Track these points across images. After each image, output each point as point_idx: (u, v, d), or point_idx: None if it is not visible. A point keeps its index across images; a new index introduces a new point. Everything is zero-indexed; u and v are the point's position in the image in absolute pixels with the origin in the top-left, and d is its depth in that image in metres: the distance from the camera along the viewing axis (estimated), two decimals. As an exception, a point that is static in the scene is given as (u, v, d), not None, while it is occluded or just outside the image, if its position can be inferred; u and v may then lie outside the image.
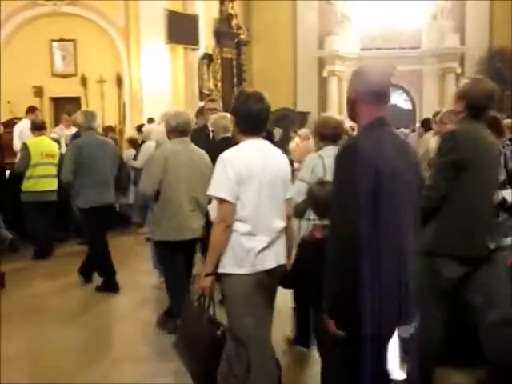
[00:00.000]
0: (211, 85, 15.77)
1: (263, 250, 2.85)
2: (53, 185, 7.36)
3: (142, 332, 4.83)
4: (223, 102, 11.64)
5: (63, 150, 7.87)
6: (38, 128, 7.53)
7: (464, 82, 3.33)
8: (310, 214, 3.72)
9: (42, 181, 7.28)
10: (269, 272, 2.89)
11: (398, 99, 19.75)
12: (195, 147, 4.63)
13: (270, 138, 4.69)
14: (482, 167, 3.15)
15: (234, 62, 17.47)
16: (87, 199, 5.83)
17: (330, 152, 3.70)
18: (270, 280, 2.92)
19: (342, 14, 18.99)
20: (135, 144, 9.84)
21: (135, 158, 8.71)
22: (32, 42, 12.43)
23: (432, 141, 5.80)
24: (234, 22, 17.07)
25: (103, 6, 12.46)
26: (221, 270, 2.88)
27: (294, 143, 10.93)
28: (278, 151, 3.06)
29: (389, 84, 2.43)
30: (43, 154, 7.33)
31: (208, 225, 3.89)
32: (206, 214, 4.25)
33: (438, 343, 3.26)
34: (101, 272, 6.06)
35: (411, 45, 19.12)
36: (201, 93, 14.79)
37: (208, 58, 15.36)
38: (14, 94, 12.05)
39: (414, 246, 2.32)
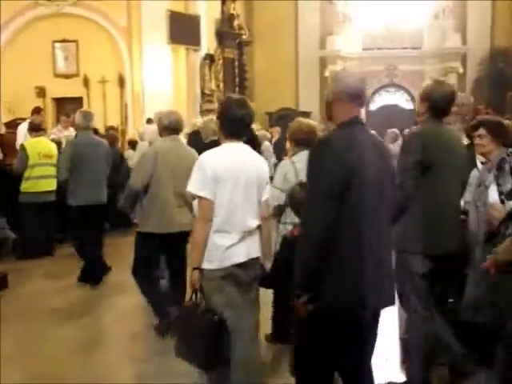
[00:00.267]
0: (213, 85, 15.79)
1: (232, 246, 3.01)
2: (51, 185, 7.35)
3: (142, 332, 4.84)
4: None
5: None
6: (35, 129, 7.53)
7: (426, 84, 3.48)
8: (287, 218, 3.91)
9: (40, 181, 7.28)
10: (239, 265, 3.04)
11: (400, 99, 19.73)
12: (186, 145, 4.78)
13: (253, 142, 4.81)
14: (446, 166, 3.25)
15: (236, 63, 17.49)
16: (79, 197, 5.98)
17: (303, 156, 3.76)
18: (242, 272, 3.08)
19: (344, 14, 18.98)
20: (134, 145, 9.90)
21: (133, 159, 8.77)
22: (34, 42, 12.50)
23: None
24: (235, 23, 17.08)
25: (105, 6, 12.52)
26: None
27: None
28: (257, 155, 3.24)
29: (364, 88, 2.57)
30: (41, 154, 7.33)
31: None
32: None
33: (428, 341, 3.34)
34: (85, 264, 6.23)
35: (413, 45, 19.09)
36: (202, 93, 14.82)
37: (210, 58, 15.38)
38: (17, 95, 12.13)
39: (389, 240, 2.50)
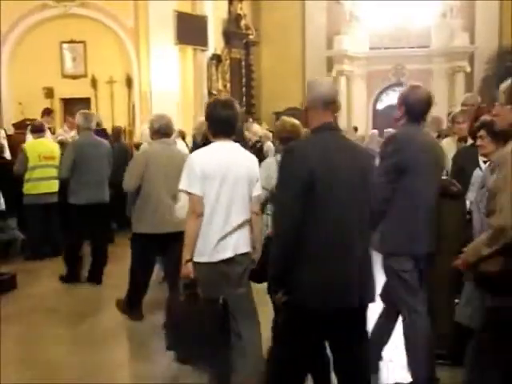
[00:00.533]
0: (220, 85, 15.83)
1: (220, 241, 3.18)
2: (53, 187, 7.33)
3: (149, 332, 4.82)
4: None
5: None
6: (37, 130, 7.53)
7: (404, 89, 3.61)
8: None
9: (41, 183, 7.29)
10: (227, 261, 3.20)
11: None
12: (177, 149, 5.00)
13: (242, 140, 4.96)
14: (422, 168, 3.35)
15: (243, 63, 17.52)
16: (81, 196, 6.09)
17: None
18: (231, 268, 3.23)
19: (351, 13, 18.94)
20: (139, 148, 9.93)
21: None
22: (43, 43, 12.53)
23: (445, 141, 5.77)
24: (242, 23, 17.10)
25: (113, 7, 12.54)
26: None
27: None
28: (247, 153, 3.43)
29: (336, 95, 2.74)
30: (41, 156, 7.32)
31: None
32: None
33: (424, 337, 3.41)
34: (66, 263, 6.39)
35: (420, 44, 19.03)
36: (210, 93, 14.84)
37: (217, 58, 15.42)
38: (25, 96, 12.18)
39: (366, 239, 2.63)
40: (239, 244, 3.26)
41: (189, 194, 3.20)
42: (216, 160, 3.20)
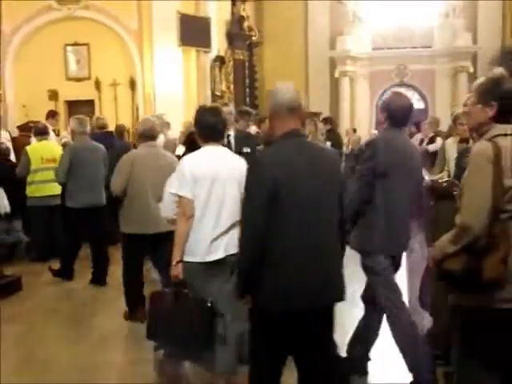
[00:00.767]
0: (223, 87, 15.88)
1: (212, 242, 3.31)
2: (56, 189, 7.23)
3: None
4: (235, 104, 11.79)
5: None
6: (40, 133, 7.56)
7: (386, 96, 3.82)
8: None
9: (43, 186, 7.30)
10: (219, 261, 3.31)
11: (411, 99, 19.64)
12: (163, 151, 5.14)
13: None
14: (400, 172, 3.49)
15: (246, 64, 17.55)
16: (78, 200, 6.22)
17: None
18: (221, 268, 3.34)
19: (354, 14, 18.95)
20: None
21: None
22: (47, 46, 12.63)
23: (448, 142, 5.76)
24: (245, 24, 17.14)
25: (116, 10, 12.61)
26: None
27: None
28: (236, 156, 3.59)
29: (298, 100, 2.72)
30: (43, 159, 7.34)
31: None
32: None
33: (411, 332, 3.54)
34: (62, 260, 6.59)
35: (423, 44, 19.02)
36: (213, 95, 14.91)
37: (220, 60, 15.47)
38: (30, 98, 12.27)
39: (328, 241, 2.65)
40: (230, 245, 3.34)
41: (179, 196, 3.32)
42: (205, 163, 3.34)
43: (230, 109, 6.15)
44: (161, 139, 5.88)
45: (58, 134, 9.78)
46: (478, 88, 2.65)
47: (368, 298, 3.77)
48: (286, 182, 2.52)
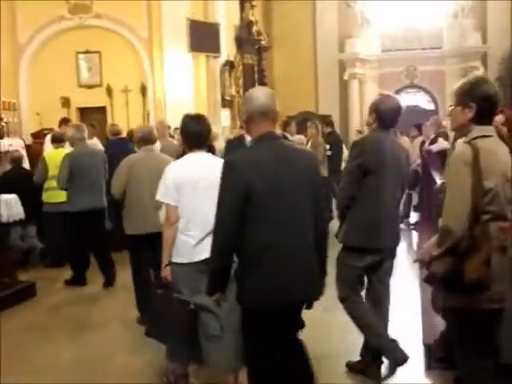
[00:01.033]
0: (233, 91, 15.99)
1: (198, 243, 3.44)
2: None
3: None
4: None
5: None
6: (57, 140, 7.68)
7: (375, 97, 3.87)
8: None
9: (58, 192, 7.22)
10: (205, 261, 3.28)
11: (421, 100, 19.61)
12: (161, 155, 5.27)
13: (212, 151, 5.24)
14: (384, 170, 3.63)
15: (256, 68, 17.62)
16: (78, 204, 6.37)
17: None
18: (207, 268, 3.38)
19: (362, 16, 18.97)
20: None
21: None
22: (59, 54, 12.81)
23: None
24: (254, 29, 17.23)
25: (126, 17, 12.77)
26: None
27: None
28: (219, 161, 3.49)
29: (273, 103, 2.74)
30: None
31: None
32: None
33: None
34: (72, 267, 6.70)
35: (432, 45, 18.99)
36: (223, 99, 15.02)
37: (230, 64, 15.59)
38: (43, 106, 12.45)
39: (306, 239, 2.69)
40: None
41: (164, 203, 3.51)
42: (190, 170, 3.48)
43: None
44: (157, 145, 6.01)
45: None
46: (458, 90, 2.68)
47: (371, 297, 3.87)
48: (260, 185, 2.56)
